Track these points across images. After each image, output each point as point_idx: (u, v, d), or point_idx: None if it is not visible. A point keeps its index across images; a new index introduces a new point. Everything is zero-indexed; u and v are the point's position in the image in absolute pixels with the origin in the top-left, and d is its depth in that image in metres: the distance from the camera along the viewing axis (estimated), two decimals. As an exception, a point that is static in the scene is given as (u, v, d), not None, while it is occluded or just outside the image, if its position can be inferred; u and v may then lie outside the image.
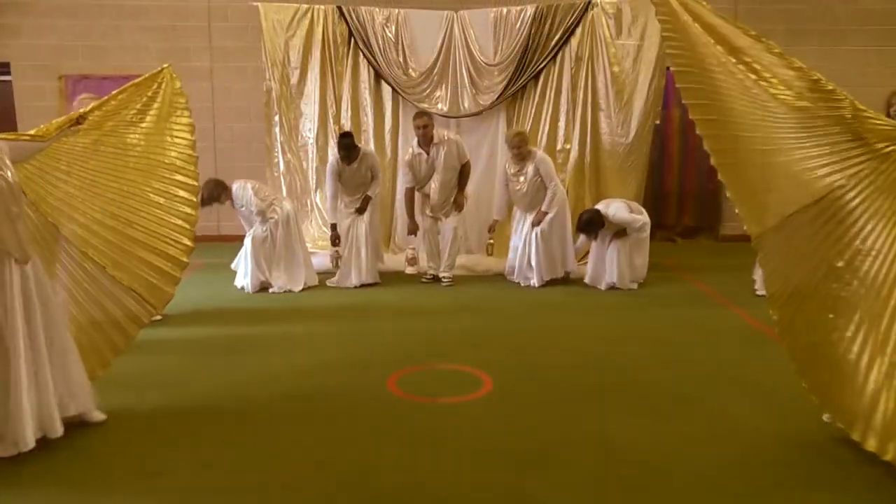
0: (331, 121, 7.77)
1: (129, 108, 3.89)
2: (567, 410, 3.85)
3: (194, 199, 4.03)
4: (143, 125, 3.94)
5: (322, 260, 7.22)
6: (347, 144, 6.48)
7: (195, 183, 4.10)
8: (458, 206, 6.80)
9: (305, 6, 7.66)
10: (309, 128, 7.82)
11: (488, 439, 3.48)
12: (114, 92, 3.87)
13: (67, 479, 3.08)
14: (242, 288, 6.51)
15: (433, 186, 6.66)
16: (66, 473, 3.13)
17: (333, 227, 6.56)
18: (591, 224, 6.43)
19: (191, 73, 8.73)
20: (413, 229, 6.73)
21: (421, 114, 6.84)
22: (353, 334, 5.24)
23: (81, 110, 3.69)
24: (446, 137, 6.68)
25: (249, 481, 3.06)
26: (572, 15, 7.39)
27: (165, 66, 4.23)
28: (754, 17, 8.68)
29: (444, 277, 6.77)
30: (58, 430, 3.30)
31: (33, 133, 3.45)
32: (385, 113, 7.80)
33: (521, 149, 6.58)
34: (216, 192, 6.35)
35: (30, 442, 3.19)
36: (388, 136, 7.75)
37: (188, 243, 3.95)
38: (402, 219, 7.81)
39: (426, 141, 6.60)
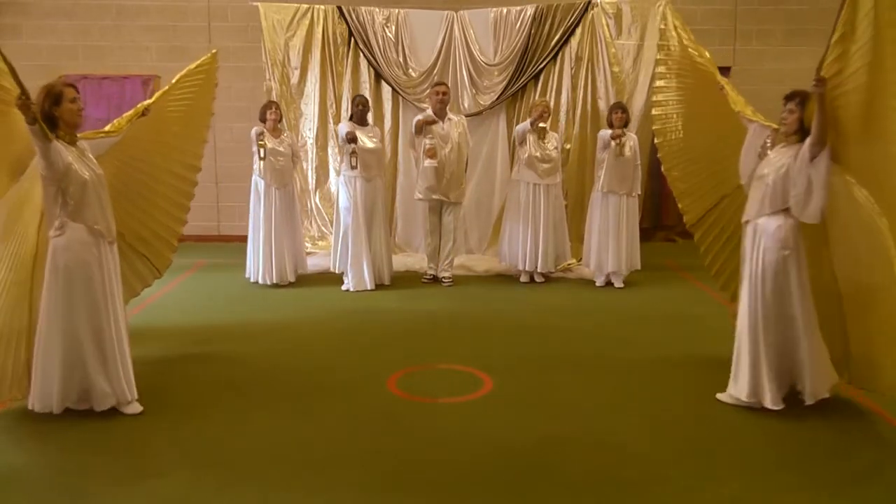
0: (331, 121, 7.78)
1: (173, 96, 4.44)
2: (567, 410, 3.85)
3: (195, 180, 4.82)
4: (180, 113, 4.55)
5: (320, 261, 7.22)
6: (364, 102, 6.59)
7: (199, 165, 4.87)
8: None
9: (305, 6, 7.66)
10: (309, 128, 7.83)
11: (488, 439, 3.48)
12: (173, 80, 4.46)
13: (68, 479, 3.08)
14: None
15: (447, 155, 6.49)
16: (66, 473, 3.13)
17: (349, 132, 6.32)
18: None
19: (191, 73, 8.75)
20: (431, 120, 6.50)
21: (441, 82, 6.86)
22: (354, 334, 5.24)
23: (146, 102, 4.18)
24: (456, 118, 6.68)
25: (249, 481, 3.06)
26: (572, 15, 7.39)
27: (214, 51, 4.92)
28: (754, 17, 8.69)
29: (444, 277, 6.76)
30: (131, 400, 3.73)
31: (108, 129, 3.95)
32: (385, 113, 7.81)
33: (544, 115, 6.54)
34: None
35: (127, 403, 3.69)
36: (388, 136, 7.75)
37: (184, 217, 4.72)
38: (403, 218, 7.85)
39: (442, 109, 6.56)
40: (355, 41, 7.66)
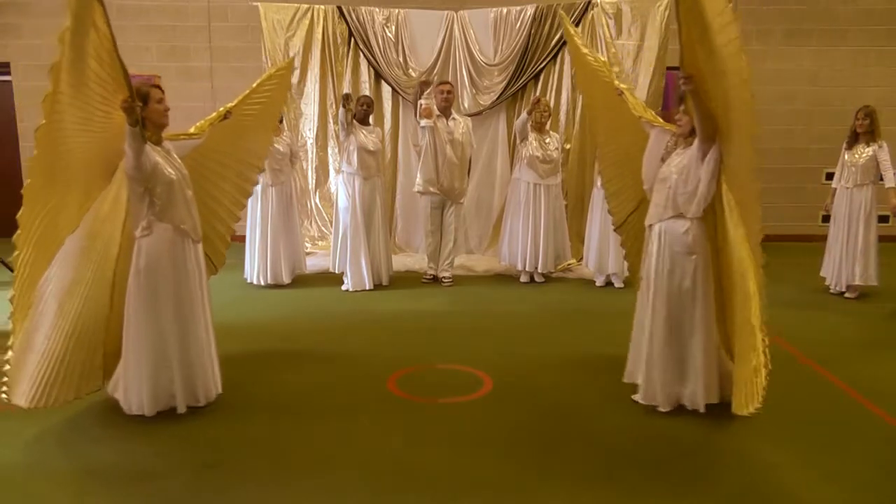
0: (331, 121, 7.78)
1: (251, 100, 4.43)
2: (566, 410, 3.85)
3: (257, 179, 4.88)
4: (254, 116, 4.52)
5: (320, 261, 7.22)
6: (370, 102, 6.60)
7: (262, 166, 4.97)
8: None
9: (305, 6, 7.67)
10: (309, 128, 7.83)
11: (488, 439, 3.49)
12: (254, 84, 4.50)
13: (67, 478, 3.09)
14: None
15: (449, 155, 6.51)
16: (66, 472, 3.13)
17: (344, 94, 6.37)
18: None
19: (191, 73, 8.75)
20: (425, 80, 6.62)
21: (446, 81, 6.88)
22: (353, 334, 5.24)
23: (228, 105, 4.18)
24: (460, 119, 6.69)
25: (248, 481, 3.06)
26: (572, 15, 7.39)
27: (291, 56, 5.10)
28: (754, 17, 8.69)
29: (444, 277, 6.77)
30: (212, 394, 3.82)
31: (191, 131, 4.01)
32: (385, 113, 7.81)
33: (545, 114, 6.60)
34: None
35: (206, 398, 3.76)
36: (388, 136, 7.75)
37: (239, 214, 4.59)
38: (403, 219, 7.85)
39: (447, 108, 6.57)
40: (355, 41, 7.67)
